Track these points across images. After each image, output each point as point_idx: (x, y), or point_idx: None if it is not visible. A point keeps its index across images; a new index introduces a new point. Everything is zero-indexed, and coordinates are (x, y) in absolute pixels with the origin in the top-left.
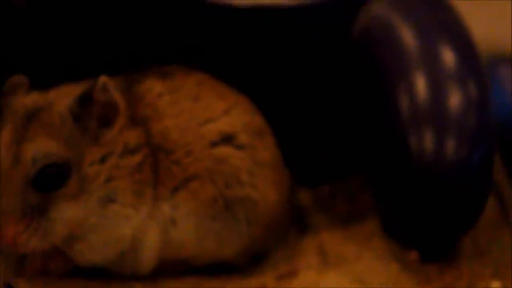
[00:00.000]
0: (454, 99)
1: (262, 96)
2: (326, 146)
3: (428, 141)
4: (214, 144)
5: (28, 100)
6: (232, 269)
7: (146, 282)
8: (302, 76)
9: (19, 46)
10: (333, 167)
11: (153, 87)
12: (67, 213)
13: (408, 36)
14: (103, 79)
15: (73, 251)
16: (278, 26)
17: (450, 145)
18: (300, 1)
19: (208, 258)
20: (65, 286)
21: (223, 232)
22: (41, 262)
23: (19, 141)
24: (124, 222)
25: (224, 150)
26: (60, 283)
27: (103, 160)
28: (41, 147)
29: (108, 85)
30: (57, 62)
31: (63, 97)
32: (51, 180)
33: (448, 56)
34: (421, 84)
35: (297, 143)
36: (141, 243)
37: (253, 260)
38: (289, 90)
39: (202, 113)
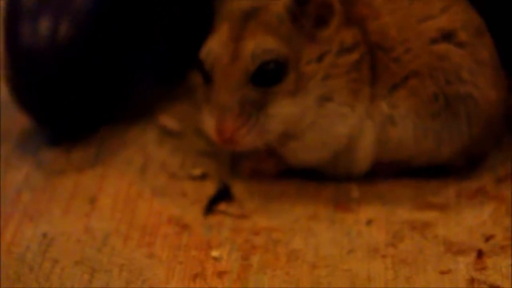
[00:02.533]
0: None
1: None
2: None
3: None
4: (434, 41)
5: (244, 1)
6: (450, 171)
7: (361, 183)
8: None
9: None
10: None
11: None
12: (284, 109)
13: None
14: None
15: (288, 150)
16: None
17: None
18: None
19: (426, 158)
20: (279, 187)
21: (443, 131)
22: (255, 163)
23: (238, 39)
24: (340, 121)
25: (444, 47)
26: (273, 184)
27: (320, 58)
28: (260, 44)
29: None
30: None
31: None
32: (269, 76)
33: None
34: None
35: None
36: (357, 142)
37: (471, 162)
38: None
39: (420, 10)
